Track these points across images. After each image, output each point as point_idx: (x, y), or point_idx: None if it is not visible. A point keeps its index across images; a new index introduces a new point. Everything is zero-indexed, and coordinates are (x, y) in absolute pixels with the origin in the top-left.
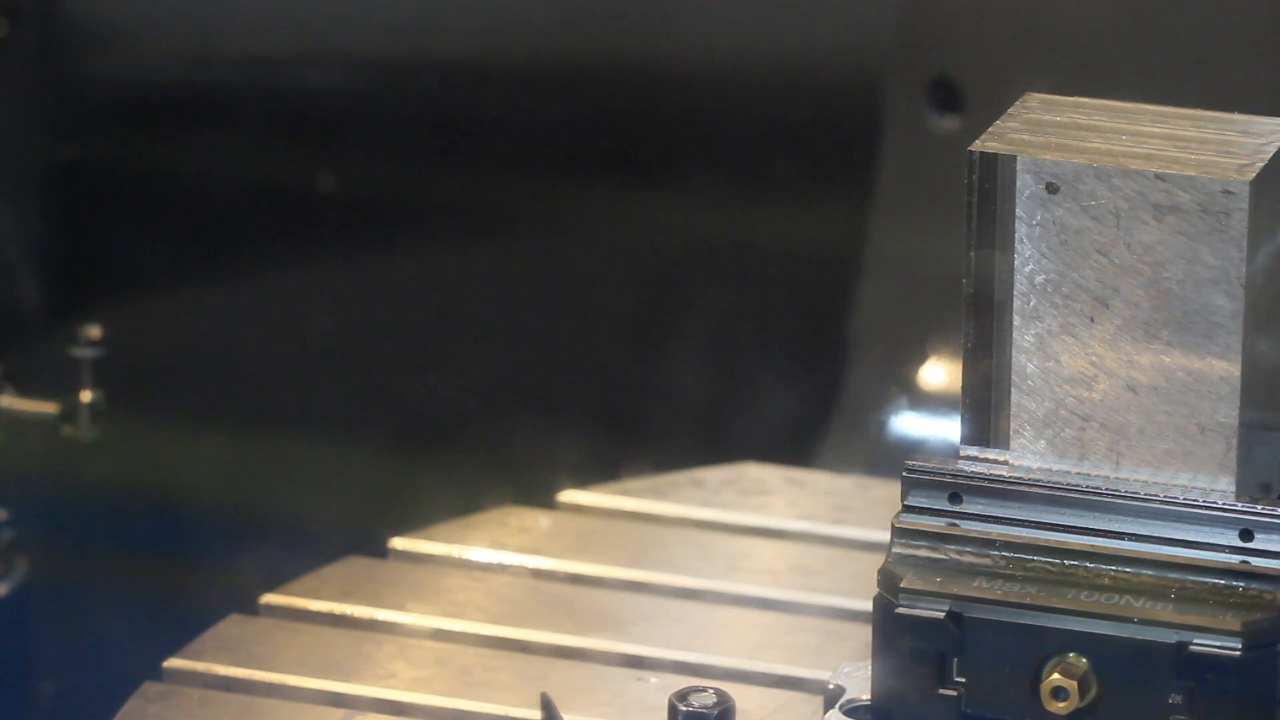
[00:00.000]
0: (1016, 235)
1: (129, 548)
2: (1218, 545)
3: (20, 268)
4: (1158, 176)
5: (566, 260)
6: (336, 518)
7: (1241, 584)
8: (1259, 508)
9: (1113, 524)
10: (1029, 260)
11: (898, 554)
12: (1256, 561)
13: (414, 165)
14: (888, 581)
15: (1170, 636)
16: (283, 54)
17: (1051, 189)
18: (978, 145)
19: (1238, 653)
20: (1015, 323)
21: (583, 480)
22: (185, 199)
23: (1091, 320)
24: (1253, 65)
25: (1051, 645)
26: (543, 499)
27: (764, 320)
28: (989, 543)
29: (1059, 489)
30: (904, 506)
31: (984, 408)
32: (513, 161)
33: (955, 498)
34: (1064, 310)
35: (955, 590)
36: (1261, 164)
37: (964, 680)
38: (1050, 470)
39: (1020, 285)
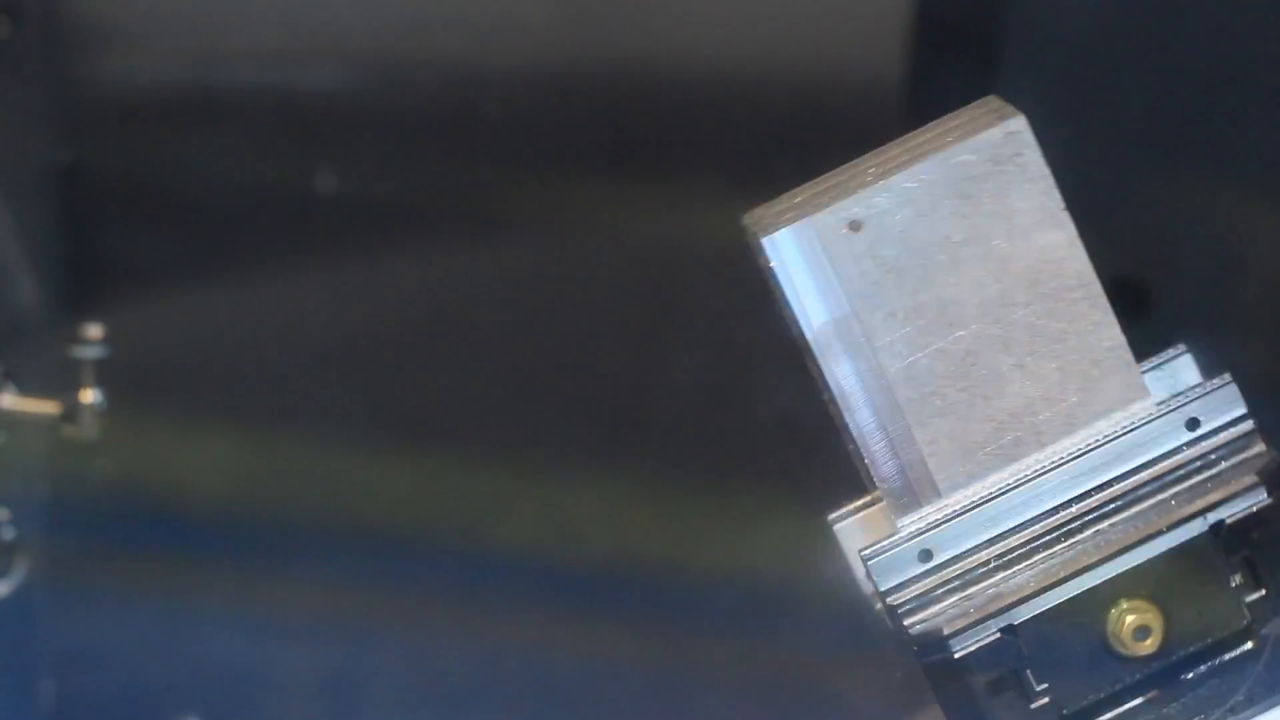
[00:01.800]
0: (834, 291)
1: (130, 548)
2: (1177, 447)
3: (21, 267)
4: (941, 160)
5: (567, 260)
6: (337, 518)
7: (1221, 459)
8: (1184, 394)
9: (1076, 490)
10: (862, 304)
11: (912, 620)
12: (1219, 435)
13: (415, 165)
14: (929, 640)
15: (1202, 526)
16: (284, 54)
17: (854, 226)
18: (757, 228)
19: (1268, 499)
20: (881, 368)
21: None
22: (186, 198)
23: (950, 324)
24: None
25: (1106, 596)
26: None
27: (764, 320)
28: (982, 564)
29: (1012, 496)
30: (882, 592)
31: (890, 468)
32: (514, 162)
33: (925, 555)
34: (922, 331)
35: (992, 608)
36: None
37: (1047, 684)
38: (991, 485)
39: (864, 332)
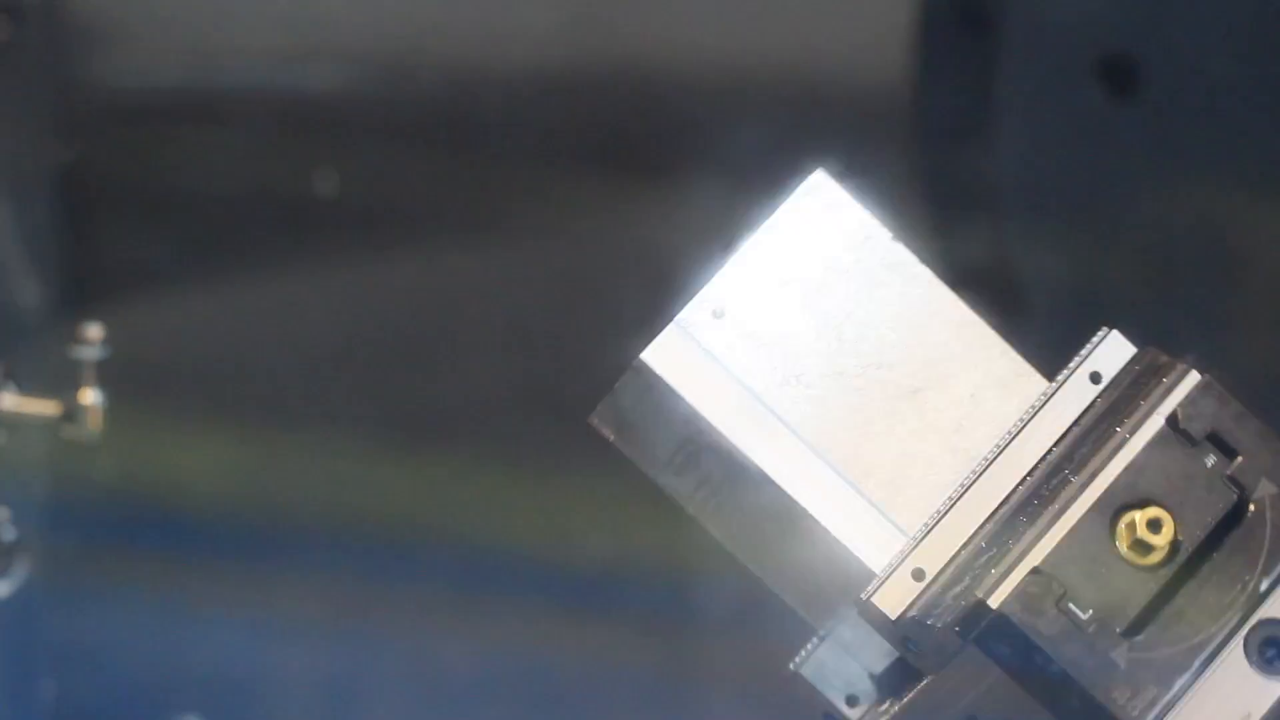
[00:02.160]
0: (726, 381)
1: (130, 548)
2: (1092, 401)
3: (22, 267)
4: (768, 227)
5: (567, 260)
6: (338, 518)
7: (1131, 388)
8: (1073, 361)
9: (1024, 468)
10: (756, 382)
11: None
12: (1125, 374)
13: (415, 165)
14: (959, 619)
15: (1158, 423)
16: (284, 55)
17: (717, 314)
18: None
19: (1206, 377)
20: (799, 437)
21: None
22: (187, 199)
23: (844, 377)
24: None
25: (1106, 517)
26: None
27: None
28: (976, 552)
29: (968, 500)
30: (896, 621)
31: (849, 534)
32: (514, 162)
33: (918, 573)
34: (821, 391)
35: (1011, 559)
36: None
37: (1091, 610)
38: (943, 501)
39: (769, 409)
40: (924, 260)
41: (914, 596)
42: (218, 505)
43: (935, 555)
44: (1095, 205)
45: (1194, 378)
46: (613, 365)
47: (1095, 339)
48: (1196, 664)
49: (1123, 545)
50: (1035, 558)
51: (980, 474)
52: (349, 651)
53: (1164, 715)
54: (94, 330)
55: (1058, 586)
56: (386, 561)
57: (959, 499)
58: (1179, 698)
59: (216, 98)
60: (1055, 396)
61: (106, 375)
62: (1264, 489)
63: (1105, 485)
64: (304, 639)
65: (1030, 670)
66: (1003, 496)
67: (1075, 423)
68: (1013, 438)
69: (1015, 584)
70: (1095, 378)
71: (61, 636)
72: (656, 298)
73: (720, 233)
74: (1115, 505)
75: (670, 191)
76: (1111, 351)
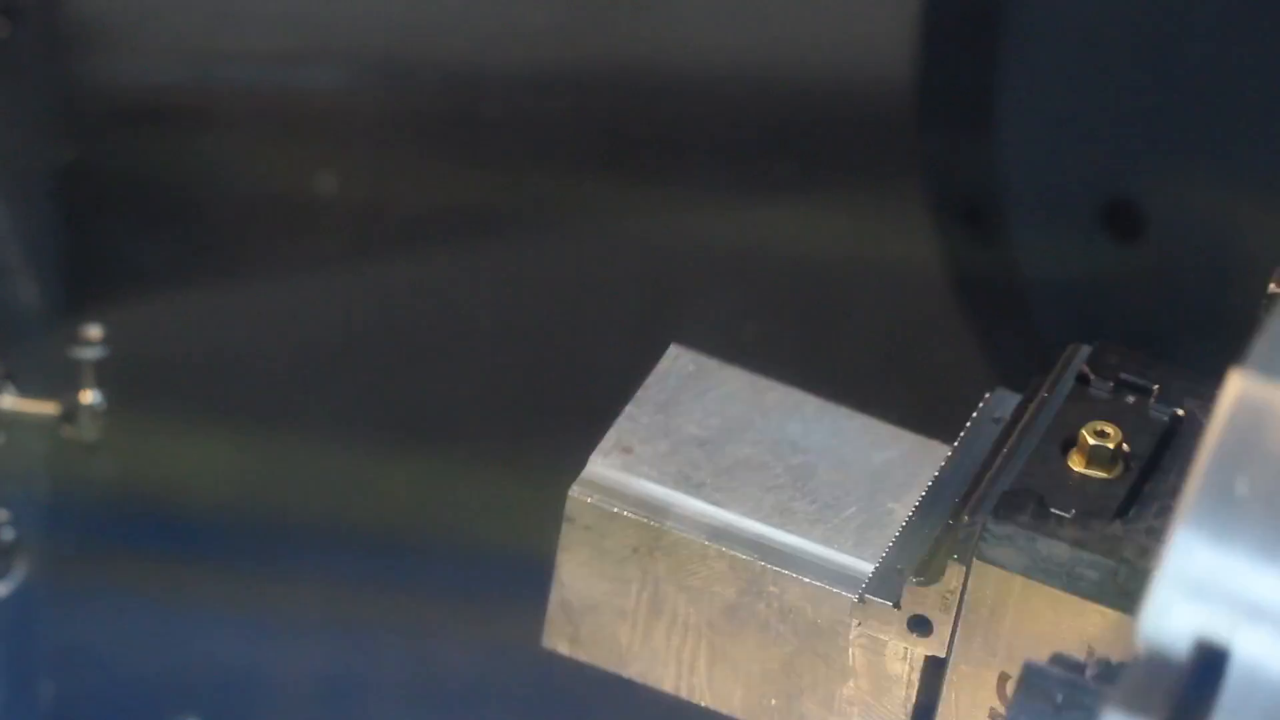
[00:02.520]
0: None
1: (129, 548)
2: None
3: (21, 268)
4: (655, 377)
5: (567, 260)
6: (338, 518)
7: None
8: (970, 423)
9: (967, 481)
10: (685, 492)
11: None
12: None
13: (415, 165)
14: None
15: (1070, 383)
16: (284, 55)
17: (625, 450)
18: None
19: (1102, 341)
20: (743, 529)
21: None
22: (187, 199)
23: (763, 471)
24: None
25: (1059, 441)
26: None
27: (766, 319)
28: (949, 525)
29: (917, 524)
30: (899, 603)
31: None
32: (514, 162)
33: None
34: (744, 485)
35: (982, 490)
36: None
37: (1073, 509)
38: (893, 533)
39: (711, 509)
40: (925, 264)
41: (902, 584)
42: (218, 506)
43: (909, 555)
44: (1096, 205)
45: (1087, 348)
46: (613, 365)
47: (981, 403)
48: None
49: (1078, 464)
50: (1004, 481)
51: (918, 521)
52: (349, 652)
53: None
54: (94, 331)
55: (1033, 496)
56: (387, 562)
57: (912, 522)
58: None
59: (216, 97)
60: (968, 438)
61: (106, 375)
62: (1189, 403)
63: (1046, 427)
64: (304, 639)
65: (1036, 562)
66: (955, 501)
67: (1004, 433)
68: (950, 471)
69: (994, 502)
70: (998, 421)
71: (60, 637)
72: (656, 298)
73: (721, 233)
74: (1061, 436)
75: (670, 192)
76: (999, 400)
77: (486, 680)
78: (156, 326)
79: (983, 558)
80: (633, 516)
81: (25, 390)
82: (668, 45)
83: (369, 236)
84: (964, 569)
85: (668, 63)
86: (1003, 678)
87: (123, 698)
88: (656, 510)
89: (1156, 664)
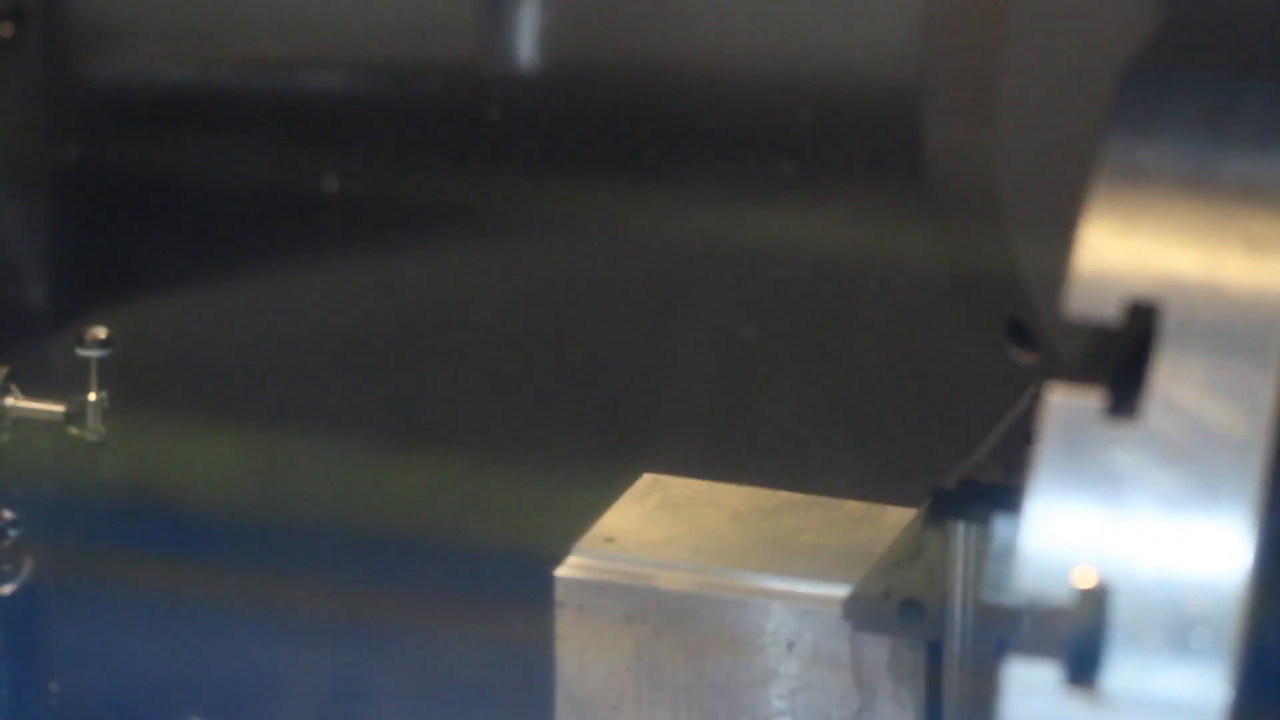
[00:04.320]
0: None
1: (135, 548)
2: None
3: (26, 268)
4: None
5: (569, 261)
6: (343, 519)
7: None
8: None
9: None
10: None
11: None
12: None
13: (419, 166)
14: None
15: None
16: (289, 55)
17: (607, 540)
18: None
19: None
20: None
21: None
22: (192, 199)
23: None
24: None
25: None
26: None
27: (767, 320)
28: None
29: None
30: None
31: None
32: (517, 163)
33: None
34: None
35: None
36: None
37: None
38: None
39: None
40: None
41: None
42: (223, 505)
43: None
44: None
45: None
46: (613, 365)
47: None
48: None
49: None
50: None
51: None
52: (354, 652)
53: None
54: (99, 331)
55: (998, 463)
56: (391, 562)
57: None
58: None
59: (220, 98)
60: None
61: (112, 375)
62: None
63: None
64: (309, 640)
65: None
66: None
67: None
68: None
69: (955, 478)
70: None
71: (66, 637)
72: (656, 298)
73: (723, 233)
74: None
75: (670, 192)
76: None
77: (490, 681)
78: (162, 326)
79: (961, 513)
80: (622, 582)
81: (30, 390)
82: (670, 46)
83: (372, 237)
84: (941, 536)
85: (670, 63)
86: None
87: (129, 697)
88: (645, 575)
89: None
